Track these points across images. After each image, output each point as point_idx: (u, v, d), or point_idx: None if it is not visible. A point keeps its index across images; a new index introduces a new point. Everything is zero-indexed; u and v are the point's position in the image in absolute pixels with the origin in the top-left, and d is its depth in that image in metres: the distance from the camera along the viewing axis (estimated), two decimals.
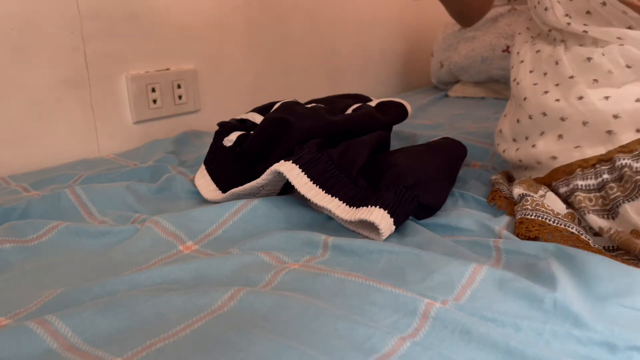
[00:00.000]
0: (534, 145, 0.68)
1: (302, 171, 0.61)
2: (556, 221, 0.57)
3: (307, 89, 1.47)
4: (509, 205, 0.66)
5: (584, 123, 0.62)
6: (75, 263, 0.53)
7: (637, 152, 0.57)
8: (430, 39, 1.82)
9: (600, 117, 0.61)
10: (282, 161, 0.62)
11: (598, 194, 0.59)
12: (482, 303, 0.45)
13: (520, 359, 0.36)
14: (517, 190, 0.64)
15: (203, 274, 0.49)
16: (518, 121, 0.72)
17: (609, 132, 0.60)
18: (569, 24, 0.69)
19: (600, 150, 0.61)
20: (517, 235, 0.58)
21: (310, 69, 1.47)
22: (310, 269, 0.49)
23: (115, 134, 1.04)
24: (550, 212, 0.60)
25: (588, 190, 0.59)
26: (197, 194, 0.74)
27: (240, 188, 0.65)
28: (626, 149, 0.59)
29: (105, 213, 0.66)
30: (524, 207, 0.60)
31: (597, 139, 0.61)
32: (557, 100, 0.65)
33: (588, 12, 0.67)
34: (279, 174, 0.62)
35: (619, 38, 0.65)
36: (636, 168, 0.56)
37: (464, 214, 0.64)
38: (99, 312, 0.41)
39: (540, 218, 0.58)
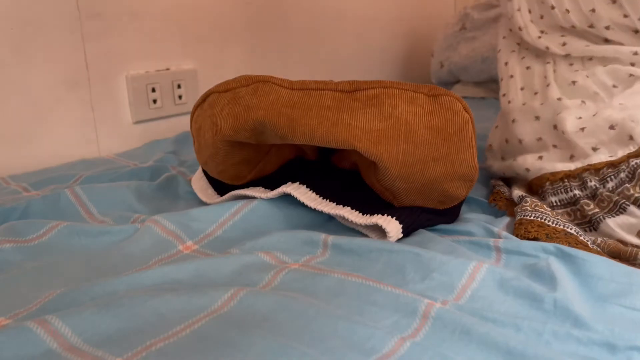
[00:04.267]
0: (514, 159, 0.72)
1: (310, 189, 0.62)
2: (555, 222, 0.58)
3: None
4: (510, 206, 0.66)
5: (571, 156, 0.65)
6: (75, 263, 0.53)
7: (603, 175, 0.60)
8: (431, 38, 1.82)
9: (579, 151, 0.64)
10: (289, 183, 0.63)
11: (575, 207, 0.61)
12: (482, 303, 0.45)
13: (521, 359, 0.36)
14: (517, 192, 0.65)
15: (203, 274, 0.49)
16: (507, 141, 0.75)
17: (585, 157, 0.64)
18: (547, 48, 0.71)
19: (569, 166, 0.64)
20: (517, 236, 0.58)
21: (310, 69, 1.47)
22: (310, 269, 0.49)
23: (115, 134, 1.04)
24: (549, 212, 0.60)
25: (563, 204, 0.62)
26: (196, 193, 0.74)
27: (239, 191, 0.65)
28: (592, 168, 0.61)
29: (105, 213, 0.66)
30: (523, 208, 0.60)
31: (566, 158, 0.65)
32: (546, 126, 0.68)
33: (562, 27, 0.70)
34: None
35: (603, 57, 0.67)
36: (608, 189, 0.59)
37: (464, 214, 0.64)
38: (99, 312, 0.41)
39: (539, 219, 0.58)
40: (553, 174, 0.64)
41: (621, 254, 0.53)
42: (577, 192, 0.61)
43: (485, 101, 1.49)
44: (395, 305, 0.43)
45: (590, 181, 0.60)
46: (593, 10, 0.65)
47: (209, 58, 1.20)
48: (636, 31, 0.64)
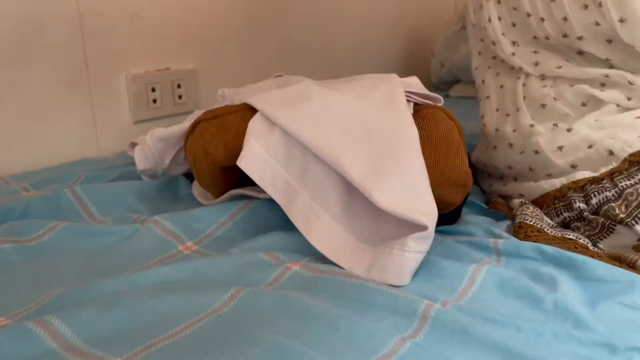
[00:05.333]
0: (504, 184, 0.72)
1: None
2: (554, 232, 0.58)
3: None
4: (510, 210, 0.66)
5: (548, 175, 0.66)
6: (75, 263, 0.53)
7: (586, 192, 0.60)
8: (431, 38, 1.82)
9: (558, 169, 0.64)
10: None
11: (568, 230, 0.61)
12: (483, 304, 0.45)
13: (521, 359, 0.36)
14: (517, 200, 0.65)
15: (203, 274, 0.49)
16: (485, 165, 0.75)
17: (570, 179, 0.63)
18: (521, 68, 0.70)
19: (554, 184, 0.64)
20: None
21: (310, 69, 1.47)
22: (311, 270, 0.49)
23: (115, 134, 1.04)
24: (547, 223, 0.60)
25: (554, 227, 0.61)
26: None
27: (237, 191, 0.65)
28: (576, 185, 0.61)
29: (105, 213, 0.66)
30: (524, 212, 0.60)
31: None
32: (521, 153, 0.68)
33: (535, 38, 0.69)
34: None
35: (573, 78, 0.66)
36: (593, 205, 0.59)
37: (465, 216, 0.64)
38: (99, 313, 0.41)
39: (538, 225, 0.58)
40: (546, 195, 0.64)
41: (621, 258, 0.53)
42: (566, 215, 0.62)
43: None
44: (395, 306, 0.43)
45: (575, 202, 0.60)
46: (565, 19, 0.64)
47: (209, 58, 1.20)
48: (609, 40, 0.63)
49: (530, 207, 0.62)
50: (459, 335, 0.39)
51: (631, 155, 0.58)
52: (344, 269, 0.50)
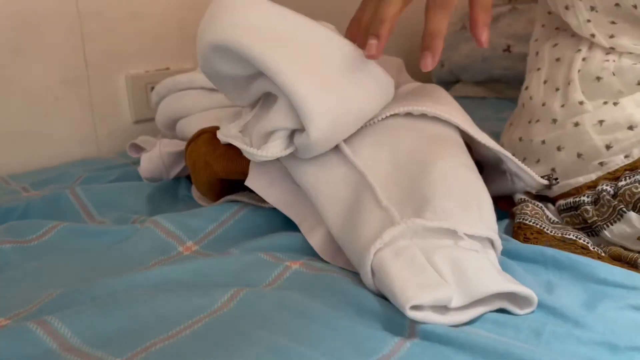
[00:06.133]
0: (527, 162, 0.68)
1: None
2: (553, 231, 0.57)
3: None
4: (510, 206, 0.66)
5: (579, 155, 0.63)
6: (75, 263, 0.53)
7: (618, 176, 0.58)
8: None
9: (591, 148, 0.62)
10: None
11: (576, 212, 0.59)
12: None
13: (521, 358, 0.36)
14: (519, 195, 0.64)
15: (203, 274, 0.49)
16: (520, 140, 0.71)
17: (601, 163, 0.61)
18: (593, 34, 0.66)
19: (590, 177, 0.62)
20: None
21: None
22: (311, 268, 0.49)
23: (114, 134, 1.04)
24: (547, 220, 0.60)
25: (567, 208, 0.60)
26: None
27: (234, 197, 0.64)
28: (610, 176, 0.59)
29: (104, 214, 0.66)
30: (523, 212, 0.59)
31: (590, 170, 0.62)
32: (562, 128, 0.65)
33: (617, 5, 0.64)
34: None
35: None
36: (620, 187, 0.57)
37: None
38: (99, 313, 0.41)
39: (538, 225, 0.57)
40: (577, 189, 0.62)
41: (622, 257, 0.53)
42: (584, 198, 0.60)
43: (485, 101, 1.49)
44: (395, 306, 0.43)
45: (601, 185, 0.59)
46: None
47: None
48: None
49: (530, 205, 0.61)
50: (460, 336, 0.39)
51: None
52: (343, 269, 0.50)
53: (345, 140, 0.54)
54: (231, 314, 0.41)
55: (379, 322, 0.41)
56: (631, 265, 0.51)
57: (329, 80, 0.49)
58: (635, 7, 0.63)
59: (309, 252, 0.54)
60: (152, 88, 1.07)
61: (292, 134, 0.52)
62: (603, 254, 0.54)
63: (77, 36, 0.96)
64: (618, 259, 0.53)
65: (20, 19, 0.88)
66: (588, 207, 0.58)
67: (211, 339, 0.38)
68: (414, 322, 0.40)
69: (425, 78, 1.99)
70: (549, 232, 0.57)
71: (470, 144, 0.60)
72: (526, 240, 0.56)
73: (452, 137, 0.57)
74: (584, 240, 0.55)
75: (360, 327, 0.39)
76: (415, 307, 0.40)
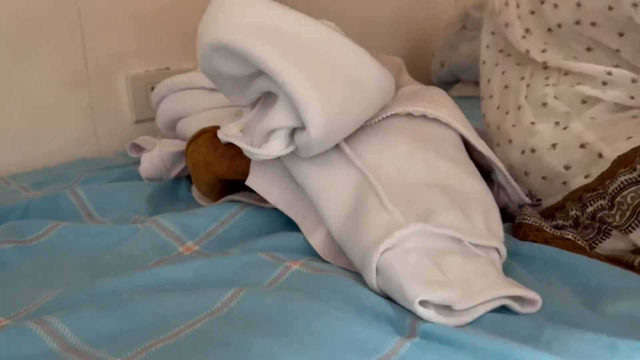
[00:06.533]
0: None
1: None
2: (552, 230, 0.58)
3: None
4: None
5: (543, 178, 0.65)
6: (75, 263, 0.53)
7: (583, 201, 0.60)
8: (431, 38, 1.81)
9: (551, 171, 0.64)
10: None
11: (566, 230, 0.60)
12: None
13: (521, 358, 0.36)
14: None
15: (203, 274, 0.49)
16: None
17: (564, 183, 0.63)
18: (527, 51, 0.69)
19: (556, 198, 0.64)
20: (515, 238, 0.58)
21: None
22: (311, 269, 0.49)
23: (115, 134, 1.03)
24: (546, 222, 0.60)
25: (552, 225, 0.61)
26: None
27: (235, 196, 0.64)
28: (574, 196, 0.61)
29: (104, 214, 0.66)
30: (522, 212, 0.60)
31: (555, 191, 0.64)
32: (522, 152, 0.67)
33: (549, 30, 0.68)
34: None
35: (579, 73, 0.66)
36: (588, 214, 0.59)
37: None
38: (99, 313, 0.41)
39: (537, 224, 0.58)
40: (547, 209, 0.64)
41: (619, 259, 0.53)
42: (560, 222, 0.61)
43: None
44: (394, 306, 0.43)
45: (572, 210, 0.60)
46: (579, 5, 0.63)
47: None
48: (621, 34, 0.63)
49: (529, 208, 0.62)
50: (459, 336, 0.39)
51: (620, 157, 0.58)
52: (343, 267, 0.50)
53: (346, 140, 0.53)
54: (231, 314, 0.41)
55: (379, 322, 0.41)
56: (629, 266, 0.51)
57: (329, 79, 0.49)
58: (559, 26, 0.66)
59: (310, 252, 0.54)
60: (152, 88, 1.07)
61: (293, 132, 0.52)
62: (601, 255, 0.54)
63: (77, 36, 0.96)
64: (615, 261, 0.53)
65: (21, 19, 0.88)
66: (573, 230, 0.60)
67: (211, 339, 0.38)
68: (414, 322, 0.40)
69: (425, 78, 2.00)
70: (548, 230, 0.57)
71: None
72: (526, 236, 0.56)
73: (452, 139, 0.57)
74: (582, 242, 0.55)
75: (360, 327, 0.39)
76: (421, 304, 0.40)
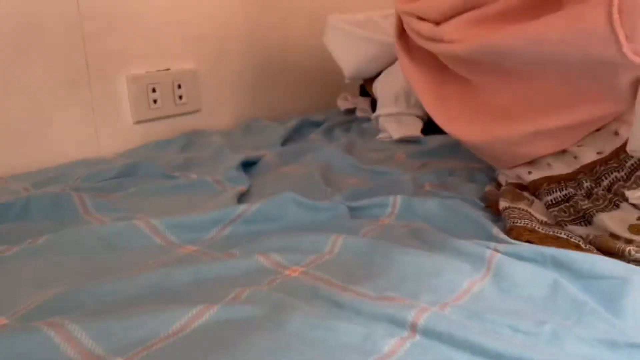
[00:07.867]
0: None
1: None
2: (545, 229, 0.58)
3: (307, 89, 1.47)
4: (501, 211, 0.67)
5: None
6: (74, 263, 0.53)
7: (597, 174, 0.61)
8: None
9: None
10: None
11: (568, 204, 0.62)
12: (482, 304, 0.45)
13: (520, 358, 0.36)
14: (503, 204, 0.65)
15: (203, 275, 0.49)
16: None
17: (575, 157, 0.64)
18: None
19: (566, 170, 0.65)
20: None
21: (310, 69, 1.47)
22: (309, 277, 0.49)
23: (115, 134, 1.04)
24: (536, 220, 0.61)
25: (557, 202, 0.63)
26: (198, 194, 0.74)
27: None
28: (587, 169, 0.62)
29: (104, 213, 0.66)
30: (511, 217, 0.61)
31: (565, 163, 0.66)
32: None
33: None
34: None
35: None
36: (604, 187, 0.60)
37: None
38: (99, 313, 0.41)
39: (529, 226, 0.59)
40: (550, 177, 0.65)
41: (611, 250, 0.54)
42: (571, 190, 0.63)
43: None
44: (394, 306, 0.43)
45: (586, 182, 0.62)
46: None
47: (209, 58, 1.20)
48: None
49: (516, 210, 0.62)
50: (459, 335, 0.39)
51: None
52: (343, 276, 0.50)
53: None
54: (231, 314, 0.41)
55: (379, 322, 0.41)
56: (619, 256, 0.53)
57: None
58: None
59: (310, 253, 0.54)
60: (153, 89, 1.07)
61: None
62: (595, 250, 0.55)
63: (78, 37, 0.96)
64: (608, 252, 0.54)
65: (22, 20, 0.88)
66: (583, 198, 0.61)
67: (211, 339, 0.38)
68: (414, 322, 0.40)
69: None
70: (541, 231, 0.58)
71: None
72: (520, 236, 0.57)
73: None
74: (576, 239, 0.56)
75: (360, 327, 0.39)
76: None
